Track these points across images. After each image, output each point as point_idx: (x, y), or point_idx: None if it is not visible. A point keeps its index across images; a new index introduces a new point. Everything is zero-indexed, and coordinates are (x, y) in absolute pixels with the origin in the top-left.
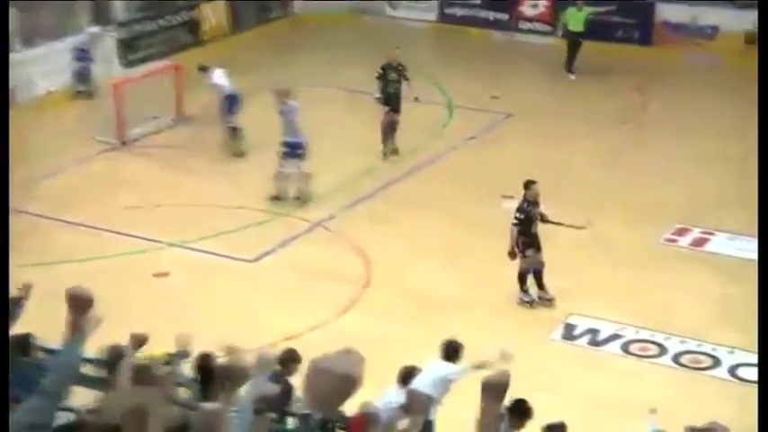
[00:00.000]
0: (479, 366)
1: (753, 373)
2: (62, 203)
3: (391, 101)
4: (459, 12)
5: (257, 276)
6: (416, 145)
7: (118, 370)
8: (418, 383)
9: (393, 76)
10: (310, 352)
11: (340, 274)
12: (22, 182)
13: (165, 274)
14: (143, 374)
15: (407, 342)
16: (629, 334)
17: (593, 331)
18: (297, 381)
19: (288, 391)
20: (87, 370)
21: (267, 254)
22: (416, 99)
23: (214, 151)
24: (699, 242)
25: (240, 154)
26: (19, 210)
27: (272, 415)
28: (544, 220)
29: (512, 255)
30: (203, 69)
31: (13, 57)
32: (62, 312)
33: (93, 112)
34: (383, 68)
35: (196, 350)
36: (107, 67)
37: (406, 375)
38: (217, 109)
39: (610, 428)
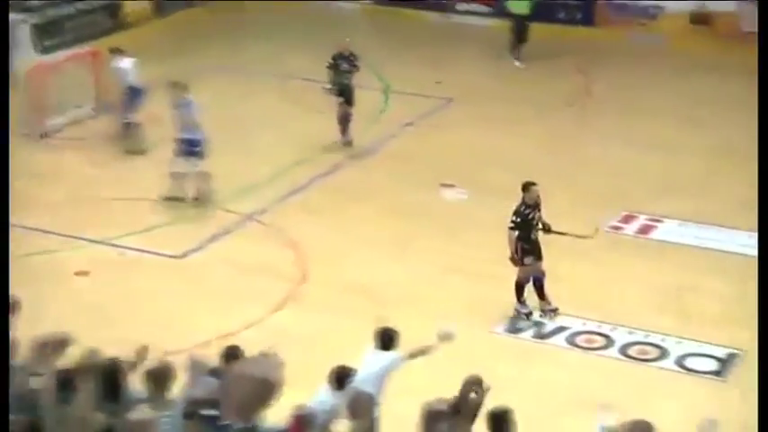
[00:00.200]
0: (419, 353)
1: (701, 364)
2: None
3: (344, 92)
4: None
5: (187, 273)
6: (353, 133)
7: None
8: (359, 382)
9: (345, 66)
10: (246, 350)
11: (274, 268)
12: None
13: (86, 273)
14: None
15: (346, 338)
16: (575, 326)
17: (538, 324)
18: None
19: None
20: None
21: (197, 250)
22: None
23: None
24: (645, 229)
25: (138, 152)
26: None
27: (214, 413)
28: (546, 230)
29: (513, 261)
30: (116, 52)
31: None
32: None
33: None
34: (334, 59)
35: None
36: (22, 54)
37: (341, 376)
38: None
39: (556, 423)
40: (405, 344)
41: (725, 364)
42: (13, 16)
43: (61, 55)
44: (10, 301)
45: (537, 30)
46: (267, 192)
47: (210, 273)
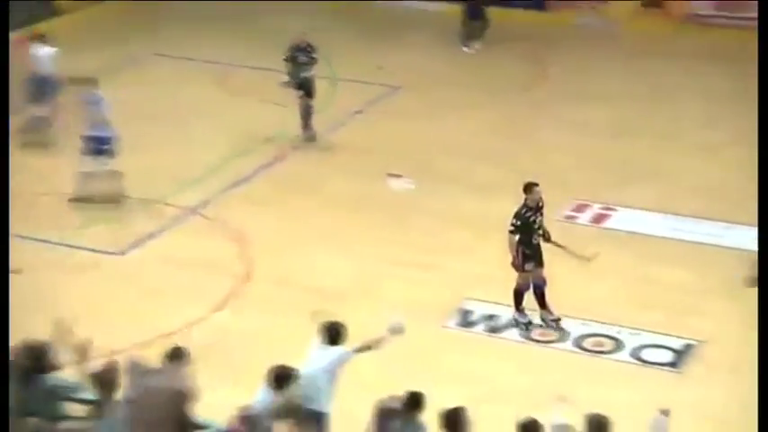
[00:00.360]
0: (368, 346)
1: (656, 355)
2: None
3: (304, 85)
4: None
5: (126, 271)
6: (299, 121)
7: None
8: (307, 378)
9: (303, 59)
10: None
11: (218, 263)
12: None
13: (18, 272)
14: None
15: (290, 335)
16: (529, 318)
17: (491, 317)
18: None
19: None
20: None
21: (136, 246)
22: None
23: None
24: (599, 218)
25: (40, 145)
26: None
27: None
28: (546, 239)
29: (515, 266)
30: (37, 39)
31: None
32: None
33: None
34: (291, 51)
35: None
36: None
37: (279, 376)
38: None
39: (510, 417)
40: (353, 339)
41: (681, 355)
42: None
43: None
44: None
45: (489, 13)
46: (210, 184)
47: (151, 270)
